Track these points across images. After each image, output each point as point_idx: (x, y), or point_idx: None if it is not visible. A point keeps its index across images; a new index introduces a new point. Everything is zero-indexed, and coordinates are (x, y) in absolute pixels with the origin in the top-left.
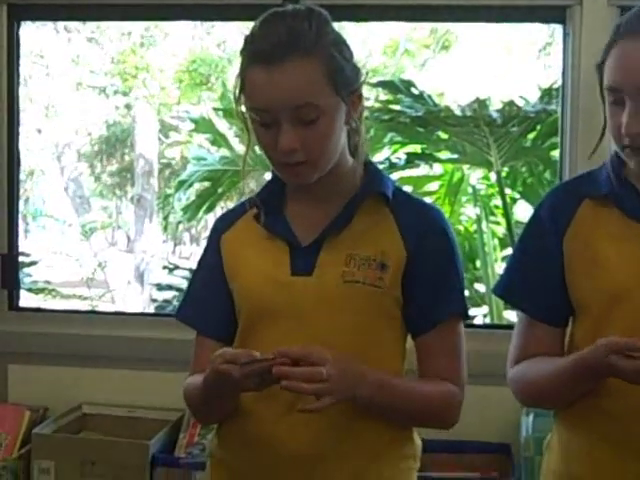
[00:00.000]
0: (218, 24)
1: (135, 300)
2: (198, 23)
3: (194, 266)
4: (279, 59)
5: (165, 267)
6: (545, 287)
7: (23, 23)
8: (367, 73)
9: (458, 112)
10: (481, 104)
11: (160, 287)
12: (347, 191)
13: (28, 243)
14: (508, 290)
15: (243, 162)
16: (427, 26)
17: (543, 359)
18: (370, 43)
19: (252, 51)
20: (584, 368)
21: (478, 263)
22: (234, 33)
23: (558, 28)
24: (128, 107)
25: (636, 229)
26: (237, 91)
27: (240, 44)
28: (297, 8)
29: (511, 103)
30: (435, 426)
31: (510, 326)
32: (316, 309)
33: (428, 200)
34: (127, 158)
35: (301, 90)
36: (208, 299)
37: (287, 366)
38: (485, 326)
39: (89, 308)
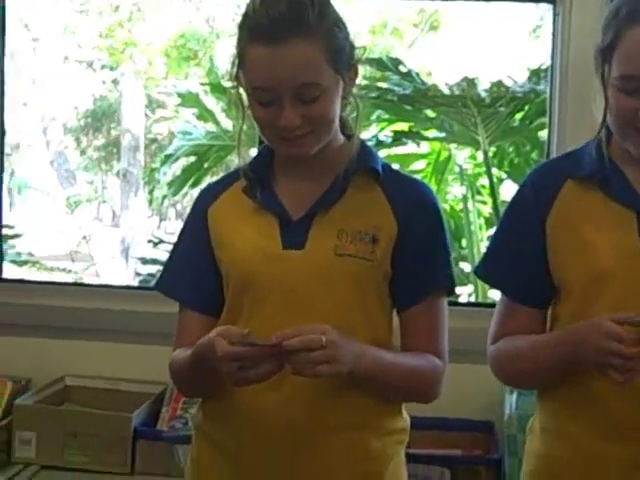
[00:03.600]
0: (206, 0)
1: (120, 274)
2: None
3: None
4: (283, 38)
5: (150, 241)
6: (526, 268)
7: None
8: (365, 49)
9: (446, 91)
10: (469, 83)
11: (144, 261)
12: (337, 166)
13: (13, 216)
14: (489, 271)
15: (238, 137)
16: (415, 5)
17: (523, 337)
18: (358, 21)
19: (253, 28)
20: (571, 341)
21: (464, 242)
22: (222, 9)
23: (548, 10)
24: (115, 82)
25: (619, 211)
26: (235, 68)
27: (228, 19)
28: None
29: (499, 83)
30: (419, 400)
31: (494, 305)
32: (308, 282)
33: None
34: (113, 133)
35: (304, 70)
36: (192, 271)
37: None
38: (470, 304)
39: (73, 281)
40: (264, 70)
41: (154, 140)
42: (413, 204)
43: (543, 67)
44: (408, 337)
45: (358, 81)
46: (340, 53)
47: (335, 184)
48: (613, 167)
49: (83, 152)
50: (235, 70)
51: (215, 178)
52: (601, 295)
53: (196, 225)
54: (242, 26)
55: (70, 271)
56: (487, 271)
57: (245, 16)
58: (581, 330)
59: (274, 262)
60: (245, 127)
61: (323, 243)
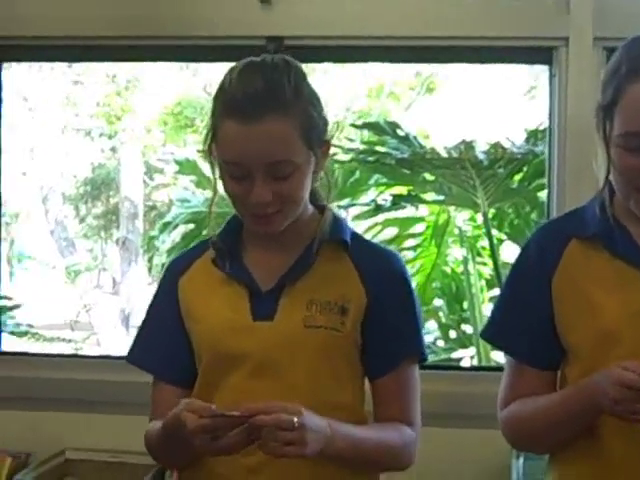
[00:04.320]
0: (203, 66)
1: (120, 343)
2: (184, 66)
3: None
4: (257, 115)
5: None
6: (533, 330)
7: (7, 64)
8: (338, 125)
9: (444, 154)
10: (467, 146)
11: None
12: (306, 237)
13: (13, 286)
14: (495, 333)
15: (209, 211)
16: (412, 69)
17: (535, 398)
18: (355, 85)
19: (228, 102)
20: (587, 394)
21: (465, 304)
22: (219, 75)
23: (542, 70)
24: (113, 150)
25: (626, 270)
26: (208, 140)
27: None
28: (275, 61)
29: (497, 145)
30: (392, 470)
31: (497, 368)
32: (278, 354)
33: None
34: (112, 200)
35: (277, 148)
36: (164, 342)
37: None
38: (472, 368)
39: (73, 351)
40: (237, 146)
41: (153, 207)
42: (382, 273)
43: (540, 128)
44: (380, 405)
45: (356, 145)
46: (314, 130)
47: (304, 255)
48: (617, 225)
49: (82, 220)
50: (208, 142)
51: (183, 250)
52: (609, 356)
53: (167, 296)
54: (217, 99)
55: (70, 341)
56: (494, 334)
57: (220, 89)
58: (592, 384)
59: (244, 334)
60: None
61: (293, 314)
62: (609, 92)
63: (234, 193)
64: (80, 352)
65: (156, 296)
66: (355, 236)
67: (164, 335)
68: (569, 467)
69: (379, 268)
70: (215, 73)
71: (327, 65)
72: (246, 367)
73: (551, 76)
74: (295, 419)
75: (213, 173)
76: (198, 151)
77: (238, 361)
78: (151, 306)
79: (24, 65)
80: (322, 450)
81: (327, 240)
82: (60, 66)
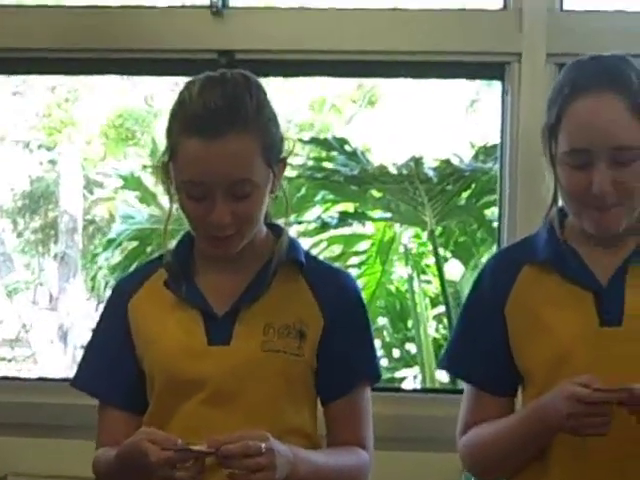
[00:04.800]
0: (144, 78)
1: (58, 361)
2: (125, 77)
3: None
4: (219, 133)
5: (92, 328)
6: (490, 358)
7: None
8: (294, 143)
9: (393, 170)
10: (417, 162)
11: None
12: (260, 258)
13: None
14: (452, 362)
15: (164, 231)
16: (354, 82)
17: (492, 422)
18: (297, 98)
19: (188, 119)
20: (538, 414)
21: (410, 323)
22: (161, 87)
23: (485, 85)
24: (52, 162)
25: (576, 292)
26: (166, 157)
27: (167, 98)
28: (235, 77)
29: (447, 161)
30: None
31: (441, 390)
32: (235, 379)
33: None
34: (51, 214)
35: (240, 166)
36: (112, 366)
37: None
38: (416, 390)
39: (14, 372)
40: (198, 164)
41: (92, 222)
42: (337, 296)
43: (489, 144)
44: (333, 429)
45: (303, 161)
46: (273, 147)
47: (259, 277)
48: (567, 249)
49: (20, 234)
50: (166, 160)
51: (131, 269)
52: (562, 378)
53: (115, 318)
54: (175, 116)
55: (11, 360)
56: (451, 363)
57: (179, 105)
58: (544, 403)
59: (199, 359)
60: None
61: (249, 339)
62: (553, 112)
63: (192, 214)
64: (20, 373)
65: (103, 318)
66: (308, 256)
67: (112, 358)
68: None
69: (334, 290)
70: (156, 85)
71: (269, 78)
72: (202, 393)
73: (503, 92)
74: (262, 445)
75: (169, 192)
76: (144, 166)
77: (194, 387)
78: (97, 328)
79: None
80: (287, 478)
81: (283, 261)
82: None
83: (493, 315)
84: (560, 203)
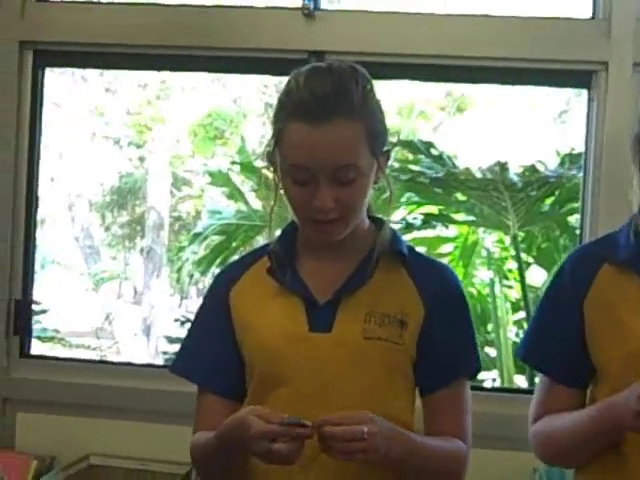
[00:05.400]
0: (234, 79)
1: (141, 353)
2: (215, 78)
3: None
4: (326, 118)
5: (177, 319)
6: (566, 350)
7: (48, 69)
8: (398, 135)
9: (478, 174)
10: (501, 167)
11: (170, 339)
12: (362, 249)
13: (37, 291)
14: (530, 353)
15: (269, 218)
16: (442, 88)
17: (564, 414)
18: (385, 103)
19: (296, 105)
20: (610, 412)
21: (490, 326)
22: (249, 88)
23: (575, 94)
24: (141, 159)
25: None
26: (271, 144)
27: (255, 99)
28: (342, 66)
29: (532, 167)
30: None
31: (520, 390)
32: (335, 366)
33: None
34: (138, 210)
35: (345, 151)
36: (213, 353)
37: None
38: (494, 389)
39: (98, 358)
40: (304, 148)
41: (178, 218)
42: (439, 288)
43: (574, 152)
44: (432, 420)
45: (390, 163)
46: (378, 136)
47: (361, 267)
48: None
49: (107, 229)
50: (272, 147)
51: (235, 258)
52: (637, 376)
53: (217, 306)
54: (283, 102)
55: (95, 348)
56: (527, 353)
57: (287, 93)
58: (618, 401)
59: (301, 344)
60: (276, 208)
61: (351, 326)
62: None
63: (297, 199)
64: (105, 359)
65: (204, 306)
66: (411, 249)
67: (213, 345)
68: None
69: (436, 283)
70: (245, 86)
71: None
72: (301, 378)
73: (589, 100)
74: (365, 429)
75: (274, 179)
76: (232, 162)
77: (293, 372)
78: (198, 316)
79: (56, 71)
80: (387, 454)
81: (385, 252)
82: (92, 73)
83: (571, 308)
84: None
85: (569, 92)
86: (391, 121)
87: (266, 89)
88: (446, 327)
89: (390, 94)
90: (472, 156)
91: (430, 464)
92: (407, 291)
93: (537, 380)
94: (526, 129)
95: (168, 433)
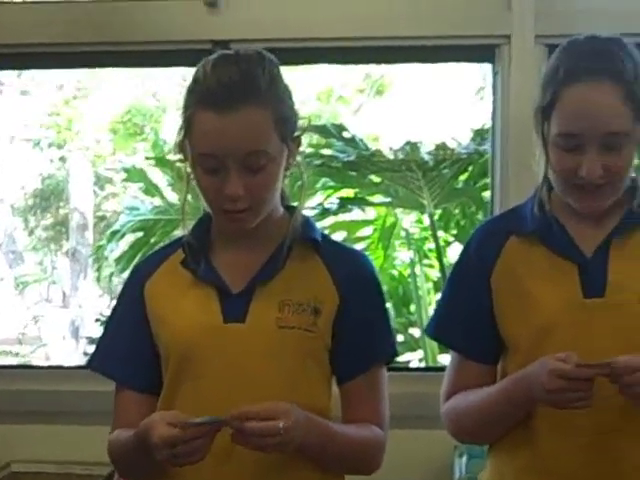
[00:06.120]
0: (153, 73)
1: (70, 355)
2: (133, 73)
3: None
4: (233, 105)
5: (97, 320)
6: (475, 325)
7: None
8: (309, 120)
9: (390, 155)
10: (412, 147)
11: (92, 340)
12: (276, 237)
13: None
14: (439, 329)
15: (182, 210)
16: (361, 71)
17: (475, 390)
18: (304, 89)
19: (203, 93)
20: (522, 385)
21: (412, 307)
22: (168, 82)
23: (490, 70)
24: (63, 160)
25: (562, 264)
26: (181, 134)
27: (174, 92)
28: (249, 52)
29: (443, 145)
30: (362, 471)
31: (444, 368)
32: (250, 356)
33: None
34: (62, 212)
35: (253, 137)
36: (128, 348)
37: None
38: (419, 369)
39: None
40: (212, 137)
41: (103, 217)
42: (353, 275)
43: (486, 127)
44: (350, 407)
45: (302, 149)
46: (287, 122)
47: (275, 256)
48: (554, 222)
49: (31, 232)
50: (181, 137)
51: (150, 252)
52: (546, 348)
53: (132, 300)
54: (191, 91)
55: (17, 354)
56: (436, 330)
57: (195, 82)
58: (527, 374)
59: (215, 336)
60: (190, 199)
61: (265, 316)
62: (547, 94)
63: (207, 188)
64: (23, 364)
65: (119, 301)
66: (324, 237)
67: (128, 340)
68: (505, 458)
69: (350, 269)
70: (164, 80)
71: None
72: (216, 370)
73: (494, 74)
74: (281, 424)
75: (185, 170)
76: (147, 158)
77: (208, 364)
78: (114, 312)
79: None
80: (301, 443)
81: (298, 240)
82: (8, 76)
83: (479, 283)
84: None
85: (486, 68)
86: (311, 107)
87: (184, 82)
88: (360, 314)
89: (308, 80)
90: (393, 138)
91: (347, 452)
92: (321, 278)
93: (450, 356)
94: (444, 108)
95: (90, 434)
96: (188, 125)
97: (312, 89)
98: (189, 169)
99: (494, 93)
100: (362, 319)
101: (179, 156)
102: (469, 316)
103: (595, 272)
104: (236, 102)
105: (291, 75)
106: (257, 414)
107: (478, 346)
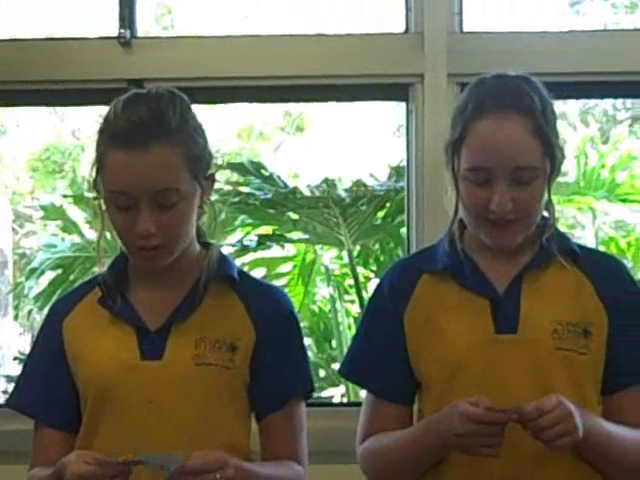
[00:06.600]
0: (71, 112)
1: None
2: (52, 111)
3: None
4: (142, 143)
5: (15, 358)
6: (388, 365)
7: None
8: (223, 158)
9: (307, 193)
10: (330, 184)
11: (11, 379)
12: (193, 274)
13: None
14: (352, 369)
15: (97, 247)
16: (281, 109)
17: (390, 432)
18: (224, 126)
19: (113, 132)
20: (435, 429)
21: (334, 343)
22: (87, 119)
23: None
24: None
25: (474, 301)
26: (94, 172)
27: (93, 130)
28: (160, 91)
29: (359, 182)
30: None
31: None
32: (167, 393)
33: (274, 283)
34: None
35: (163, 175)
36: (47, 386)
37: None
38: (341, 404)
39: None
40: (122, 174)
41: (23, 255)
42: (270, 311)
43: (402, 164)
44: (268, 443)
45: (220, 186)
46: (199, 160)
47: (192, 293)
48: (466, 258)
49: None
50: (94, 175)
51: (68, 290)
52: (457, 385)
53: (50, 339)
54: (102, 131)
55: None
56: (350, 370)
57: (105, 120)
58: (440, 418)
59: (132, 373)
60: (109, 236)
61: (182, 353)
62: (457, 129)
63: (120, 225)
64: None
65: (38, 339)
66: (241, 273)
67: (47, 378)
68: None
69: (267, 305)
70: (83, 118)
71: (196, 107)
72: (134, 407)
73: (408, 113)
74: (218, 476)
75: (100, 208)
76: (64, 196)
77: (126, 401)
78: (32, 350)
79: None
80: None
81: (214, 277)
82: None
83: (392, 322)
84: (461, 214)
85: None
86: (231, 144)
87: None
88: (276, 350)
89: (229, 117)
90: (312, 175)
91: None
92: (237, 315)
93: (364, 397)
94: (364, 145)
95: (11, 474)
96: (100, 163)
97: (233, 126)
98: (104, 206)
99: (408, 131)
100: (278, 355)
101: (94, 194)
102: (383, 355)
103: (507, 308)
104: (146, 140)
105: (211, 112)
106: (193, 466)
107: (393, 386)
